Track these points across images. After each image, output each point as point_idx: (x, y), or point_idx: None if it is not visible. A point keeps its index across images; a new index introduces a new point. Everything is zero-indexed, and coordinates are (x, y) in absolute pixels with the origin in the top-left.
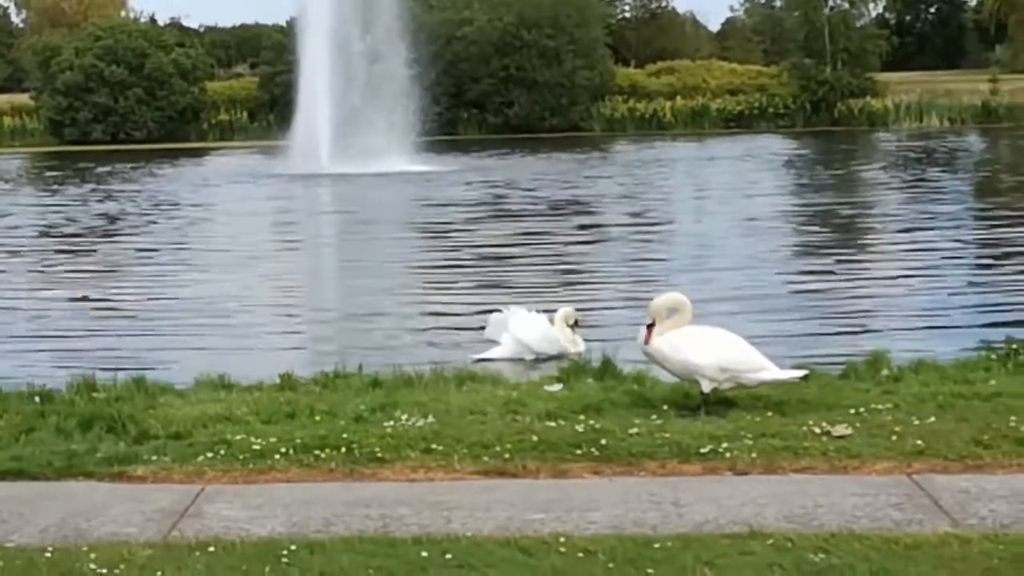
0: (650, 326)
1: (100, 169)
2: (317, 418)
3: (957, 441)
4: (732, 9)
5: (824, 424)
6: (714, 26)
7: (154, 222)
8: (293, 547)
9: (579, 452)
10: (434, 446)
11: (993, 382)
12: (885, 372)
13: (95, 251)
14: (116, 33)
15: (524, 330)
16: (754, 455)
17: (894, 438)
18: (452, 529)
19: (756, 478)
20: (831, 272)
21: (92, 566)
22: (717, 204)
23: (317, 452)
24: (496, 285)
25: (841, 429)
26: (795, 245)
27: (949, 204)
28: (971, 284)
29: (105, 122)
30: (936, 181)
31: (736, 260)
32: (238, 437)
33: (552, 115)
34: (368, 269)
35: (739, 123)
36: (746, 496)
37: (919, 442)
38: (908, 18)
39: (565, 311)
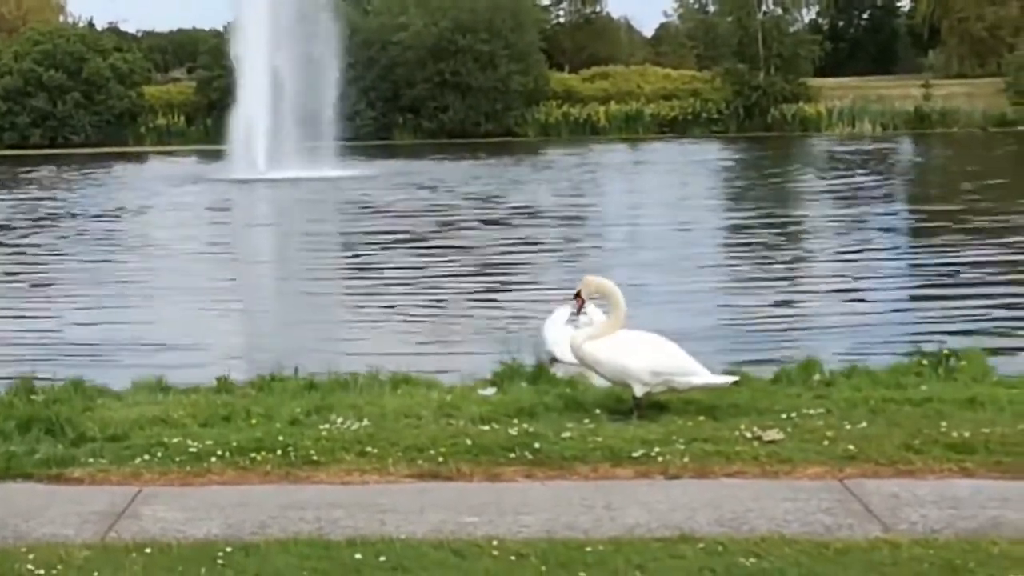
0: (577, 294)
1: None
2: (253, 421)
3: (888, 446)
4: (666, 14)
5: (756, 429)
6: (648, 31)
7: (88, 227)
8: (229, 549)
9: (512, 456)
10: (369, 449)
11: (925, 387)
12: (817, 377)
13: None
14: (54, 38)
15: (546, 329)
16: (686, 459)
17: (826, 443)
18: (386, 531)
19: (688, 482)
20: (765, 277)
21: (30, 567)
22: (650, 211)
23: (253, 455)
24: (421, 295)
25: (773, 434)
26: (729, 250)
27: (882, 211)
28: (904, 291)
29: (43, 126)
30: (868, 187)
31: (668, 264)
32: (175, 439)
33: (487, 120)
34: (304, 274)
35: (673, 128)
36: (678, 500)
37: (850, 447)
38: (841, 23)
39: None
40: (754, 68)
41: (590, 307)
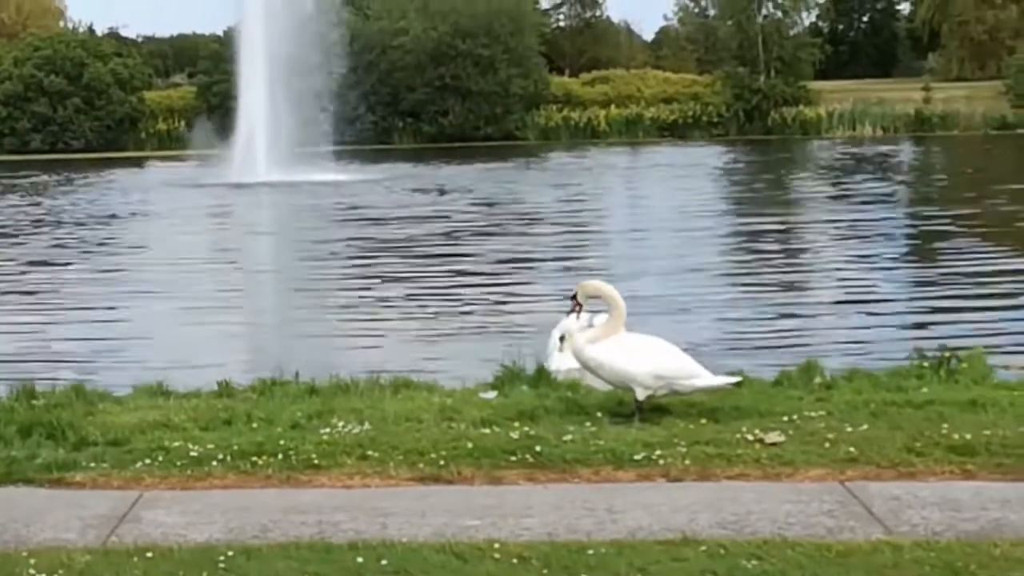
0: (574, 297)
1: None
2: (254, 425)
3: (890, 448)
4: (666, 18)
5: (757, 431)
6: (648, 35)
7: (87, 232)
8: (230, 553)
9: (514, 459)
10: (370, 453)
11: (925, 390)
12: (818, 380)
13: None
14: (55, 43)
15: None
16: (688, 462)
17: (827, 445)
18: (388, 535)
19: (689, 485)
20: (765, 281)
21: (32, 571)
22: (653, 216)
23: (254, 458)
24: (422, 298)
25: (774, 436)
26: (729, 253)
27: (882, 214)
28: (902, 293)
29: (43, 132)
30: (869, 191)
31: (669, 270)
32: (176, 443)
33: (487, 124)
34: (305, 279)
35: (673, 132)
36: (679, 503)
37: (852, 449)
38: (841, 27)
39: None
40: (754, 71)
41: (597, 316)
